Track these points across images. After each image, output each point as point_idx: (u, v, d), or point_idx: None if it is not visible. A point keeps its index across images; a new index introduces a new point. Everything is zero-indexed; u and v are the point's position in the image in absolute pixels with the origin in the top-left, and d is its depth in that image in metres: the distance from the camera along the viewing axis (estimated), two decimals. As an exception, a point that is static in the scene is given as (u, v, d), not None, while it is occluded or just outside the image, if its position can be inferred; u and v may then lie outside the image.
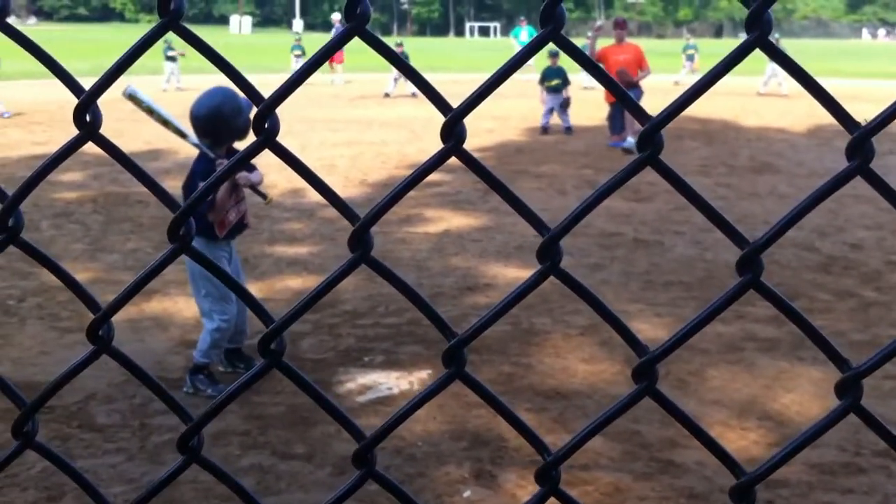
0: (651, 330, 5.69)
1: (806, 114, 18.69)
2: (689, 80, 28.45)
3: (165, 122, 4.62)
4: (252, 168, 4.85)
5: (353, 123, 17.43)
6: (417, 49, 42.50)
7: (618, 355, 5.34)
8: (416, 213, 9.38)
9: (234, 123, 4.68)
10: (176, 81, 25.30)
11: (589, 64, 0.85)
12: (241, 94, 4.81)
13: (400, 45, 26.19)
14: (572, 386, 4.91)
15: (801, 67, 0.80)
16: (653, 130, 0.81)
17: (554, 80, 15.89)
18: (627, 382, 4.82)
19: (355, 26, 0.85)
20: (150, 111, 4.59)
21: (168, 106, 4.87)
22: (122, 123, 15.67)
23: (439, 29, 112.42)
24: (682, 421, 0.93)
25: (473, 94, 0.84)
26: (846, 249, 7.96)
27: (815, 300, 6.40)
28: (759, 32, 0.79)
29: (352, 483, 0.98)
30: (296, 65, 29.55)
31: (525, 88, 18.58)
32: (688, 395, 4.78)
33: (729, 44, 53.36)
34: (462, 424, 4.45)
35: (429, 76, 0.89)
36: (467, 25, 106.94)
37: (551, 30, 0.81)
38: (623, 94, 0.84)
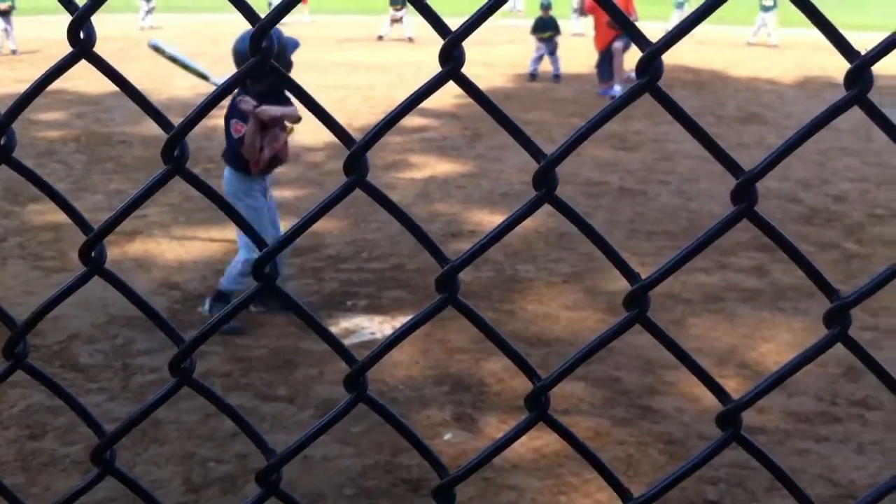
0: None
1: (795, 65, 18.63)
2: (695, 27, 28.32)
3: (187, 68, 4.95)
4: (287, 103, 4.87)
5: (339, 66, 17.26)
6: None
7: (601, 303, 5.37)
8: (401, 159, 9.34)
9: (278, 60, 4.69)
10: (150, 20, 25.01)
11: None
12: (283, 31, 4.97)
13: None
14: (555, 333, 4.94)
15: None
16: (651, 57, 0.81)
17: (547, 32, 15.86)
18: (609, 329, 4.86)
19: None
20: (174, 60, 4.95)
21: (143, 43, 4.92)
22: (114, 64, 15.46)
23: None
24: (670, 347, 0.93)
25: (473, 16, 0.83)
26: (829, 201, 7.98)
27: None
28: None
29: (344, 406, 0.98)
30: None
31: (514, 34, 18.44)
32: (669, 344, 4.82)
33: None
34: (444, 369, 4.48)
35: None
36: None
37: None
38: (626, 22, 0.83)
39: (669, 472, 3.33)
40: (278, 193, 7.99)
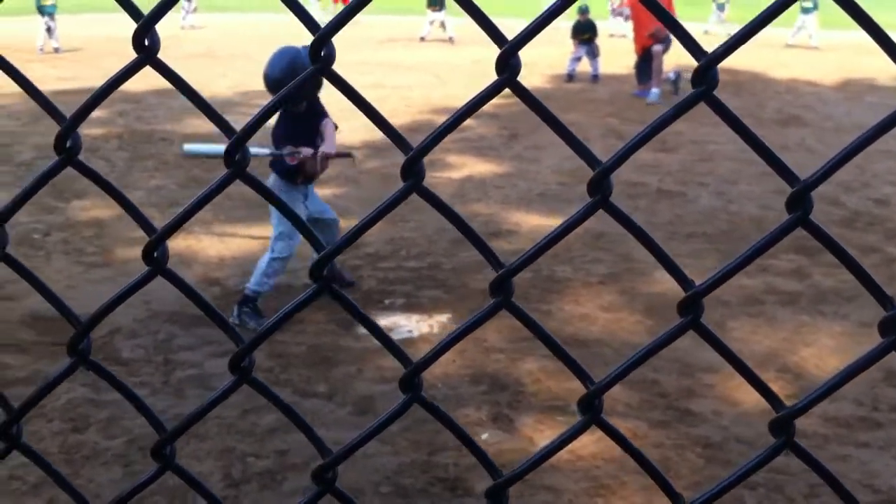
0: (672, 280, 5.68)
1: (835, 67, 18.42)
2: (719, 29, 28.06)
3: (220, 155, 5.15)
4: (322, 115, 5.02)
5: (379, 66, 17.32)
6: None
7: (637, 304, 5.36)
8: (438, 159, 9.36)
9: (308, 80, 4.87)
10: (192, 20, 25.19)
11: None
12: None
13: None
14: (591, 334, 4.93)
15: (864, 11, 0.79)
16: (709, 66, 0.82)
17: (586, 34, 15.92)
18: (647, 331, 4.86)
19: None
20: (209, 155, 5.46)
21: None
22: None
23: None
24: (725, 354, 0.94)
25: (532, 24, 0.84)
26: (871, 205, 7.89)
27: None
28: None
29: (399, 406, 1.00)
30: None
31: (552, 35, 18.40)
32: (707, 347, 4.74)
33: (761, -7, 52.32)
34: (481, 369, 4.50)
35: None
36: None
37: None
38: (678, 27, 0.84)
39: (706, 476, 3.36)
40: (317, 191, 8.05)
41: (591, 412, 0.96)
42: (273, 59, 4.90)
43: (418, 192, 0.90)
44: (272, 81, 4.81)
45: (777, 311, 5.33)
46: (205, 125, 10.75)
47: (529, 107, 0.88)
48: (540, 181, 8.48)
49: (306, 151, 4.85)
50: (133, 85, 9.38)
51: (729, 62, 14.22)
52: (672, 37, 10.32)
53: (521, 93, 0.86)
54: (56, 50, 19.06)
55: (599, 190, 0.88)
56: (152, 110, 11.82)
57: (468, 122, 11.13)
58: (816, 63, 19.52)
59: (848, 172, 8.98)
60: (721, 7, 29.23)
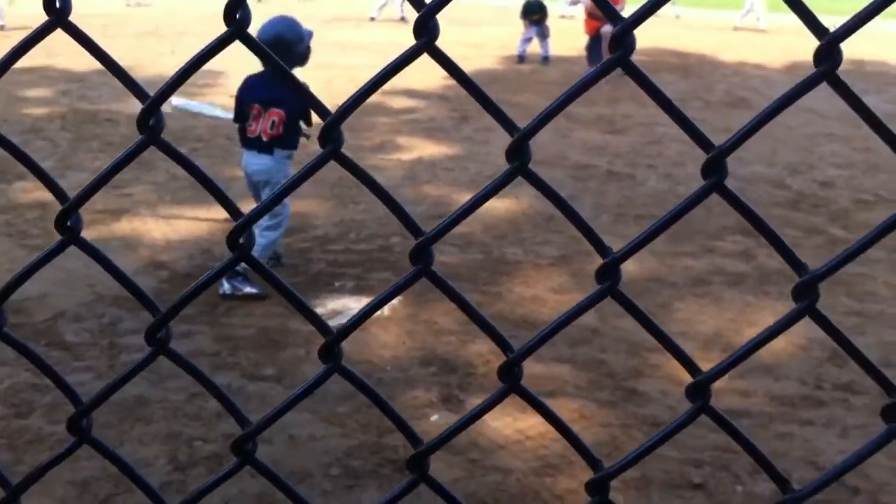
0: (624, 263, 5.73)
1: (782, 50, 18.64)
2: (669, 12, 28.25)
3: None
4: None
5: (327, 46, 17.17)
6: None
7: (588, 286, 5.38)
8: (388, 140, 9.32)
9: (297, 49, 5.20)
10: None
11: None
12: (301, 23, 5.36)
13: None
14: (542, 315, 4.95)
15: None
16: (624, 32, 0.82)
17: (535, 15, 15.85)
18: (595, 312, 4.88)
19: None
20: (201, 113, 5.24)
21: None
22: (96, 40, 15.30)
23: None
24: (641, 321, 0.95)
25: None
26: (816, 187, 8.01)
27: (784, 236, 6.35)
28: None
29: (318, 376, 0.99)
30: None
31: (502, 16, 18.39)
32: (654, 327, 4.84)
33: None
34: (431, 350, 4.49)
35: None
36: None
37: None
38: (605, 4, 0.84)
39: (654, 455, 3.36)
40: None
41: (510, 379, 0.97)
42: (263, 25, 5.18)
43: (336, 159, 0.89)
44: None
45: (723, 292, 5.39)
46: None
47: (448, 72, 0.87)
48: (490, 163, 8.48)
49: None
50: (76, 64, 9.30)
51: (676, 44, 14.38)
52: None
53: (440, 58, 0.85)
54: (1, 27, 18.65)
55: (518, 156, 0.88)
56: (96, 89, 11.58)
57: (418, 103, 11.12)
58: (764, 46, 19.74)
59: (794, 154, 9.11)
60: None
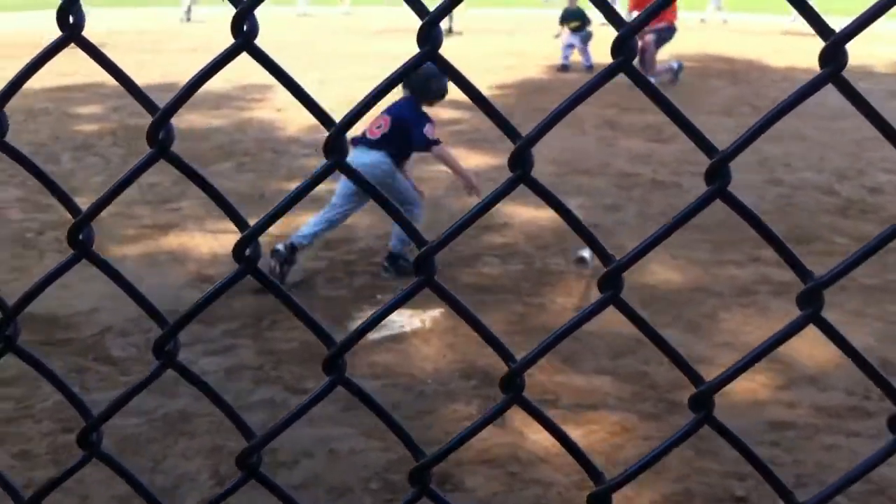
0: (665, 272, 5.69)
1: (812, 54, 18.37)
2: (716, 17, 28.05)
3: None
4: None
5: (377, 57, 17.24)
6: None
7: (631, 296, 5.30)
8: (432, 152, 9.34)
9: (434, 84, 5.77)
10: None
11: None
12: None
13: None
14: (584, 326, 4.90)
15: None
16: (627, 35, 0.82)
17: (574, 22, 15.81)
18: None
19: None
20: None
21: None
22: (144, 55, 15.58)
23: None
24: (644, 329, 0.95)
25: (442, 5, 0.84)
26: (865, 193, 7.89)
27: (832, 243, 6.38)
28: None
29: (321, 388, 1.00)
30: None
31: (547, 24, 18.36)
32: (699, 338, 4.80)
33: (755, -18, 52.35)
34: (472, 363, 4.49)
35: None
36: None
37: None
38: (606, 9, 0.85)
39: (696, 468, 3.34)
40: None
41: (513, 390, 0.97)
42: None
43: (340, 168, 0.90)
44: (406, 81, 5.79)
45: (769, 302, 5.33)
46: (200, 119, 10.74)
47: (452, 79, 0.89)
48: (535, 172, 8.43)
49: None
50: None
51: (725, 50, 14.28)
52: (669, 28, 10.36)
53: (444, 65, 0.87)
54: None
55: (520, 165, 0.89)
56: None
57: (462, 114, 11.14)
58: (813, 50, 19.14)
59: (842, 160, 8.98)
60: (717, -5, 29.16)
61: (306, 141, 9.67)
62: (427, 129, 5.70)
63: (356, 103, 0.90)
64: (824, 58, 0.81)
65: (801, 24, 23.52)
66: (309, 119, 9.83)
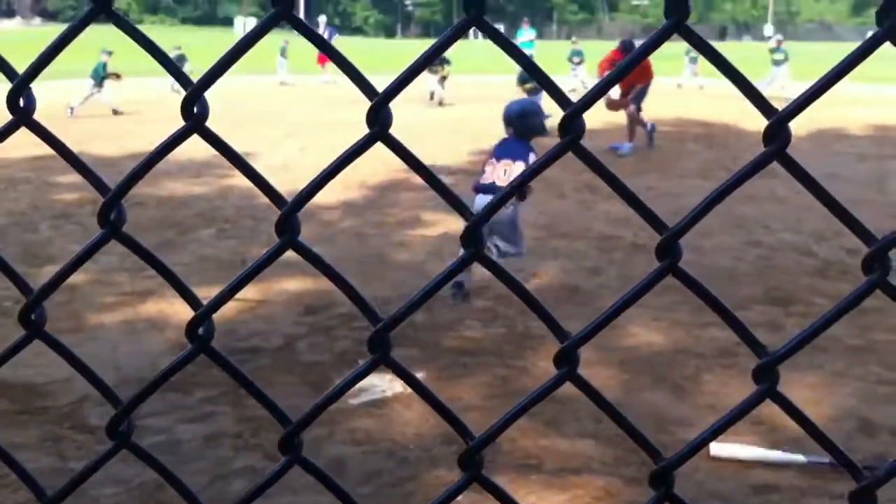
0: (646, 333, 5.69)
1: (806, 118, 18.64)
2: (692, 82, 28.49)
3: None
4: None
5: (357, 126, 17.23)
6: (415, 51, 42.36)
7: (613, 358, 5.34)
8: (413, 216, 9.38)
9: (534, 121, 6.71)
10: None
11: (516, 54, 0.88)
12: (541, 104, 7.52)
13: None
14: (566, 389, 4.85)
15: (718, 52, 0.82)
16: (572, 116, 0.83)
17: (529, 84, 16.06)
18: (621, 385, 4.84)
19: (280, 10, 0.85)
20: None
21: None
22: (126, 124, 15.64)
23: (442, 30, 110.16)
24: (605, 409, 0.94)
25: (398, 78, 0.85)
26: (843, 254, 7.95)
27: (812, 304, 6.41)
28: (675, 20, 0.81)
29: (277, 469, 0.98)
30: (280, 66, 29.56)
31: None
32: (682, 400, 4.78)
33: (732, 46, 53.23)
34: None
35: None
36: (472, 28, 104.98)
37: (474, 14, 0.82)
38: (546, 80, 0.86)
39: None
40: (291, 252, 8.00)
41: (471, 468, 0.96)
42: (512, 104, 7.02)
43: (293, 247, 0.90)
44: (506, 119, 6.79)
45: (751, 363, 5.24)
46: (181, 187, 10.75)
47: (402, 159, 0.89)
48: (514, 237, 8.49)
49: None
50: (108, 149, 9.47)
51: (701, 114, 14.49)
52: (642, 92, 10.52)
53: (394, 146, 0.87)
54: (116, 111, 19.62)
55: (472, 244, 0.89)
56: (122, 176, 11.77)
57: (442, 178, 11.17)
58: (785, 115, 19.74)
59: (820, 221, 9.06)
60: (694, 60, 29.63)
61: (287, 207, 9.70)
62: (531, 160, 6.35)
63: (306, 185, 0.90)
64: (769, 136, 0.82)
65: (778, 89, 23.98)
66: (290, 185, 9.83)
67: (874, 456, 4.13)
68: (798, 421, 0.90)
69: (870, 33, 0.84)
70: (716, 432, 0.92)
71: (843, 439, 4.28)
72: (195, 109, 0.88)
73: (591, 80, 25.77)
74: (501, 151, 6.58)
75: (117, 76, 19.47)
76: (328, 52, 0.91)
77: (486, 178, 6.53)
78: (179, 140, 0.90)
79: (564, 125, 0.83)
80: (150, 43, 0.95)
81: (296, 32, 0.92)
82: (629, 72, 0.89)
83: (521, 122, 6.62)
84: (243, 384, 0.98)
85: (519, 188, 0.92)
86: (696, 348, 5.53)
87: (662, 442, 4.28)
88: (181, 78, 0.95)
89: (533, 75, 0.87)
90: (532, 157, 6.40)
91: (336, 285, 0.94)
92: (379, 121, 0.85)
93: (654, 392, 4.77)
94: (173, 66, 0.95)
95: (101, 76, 19.70)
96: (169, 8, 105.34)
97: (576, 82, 26.57)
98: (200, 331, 0.94)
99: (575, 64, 27.72)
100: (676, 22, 0.80)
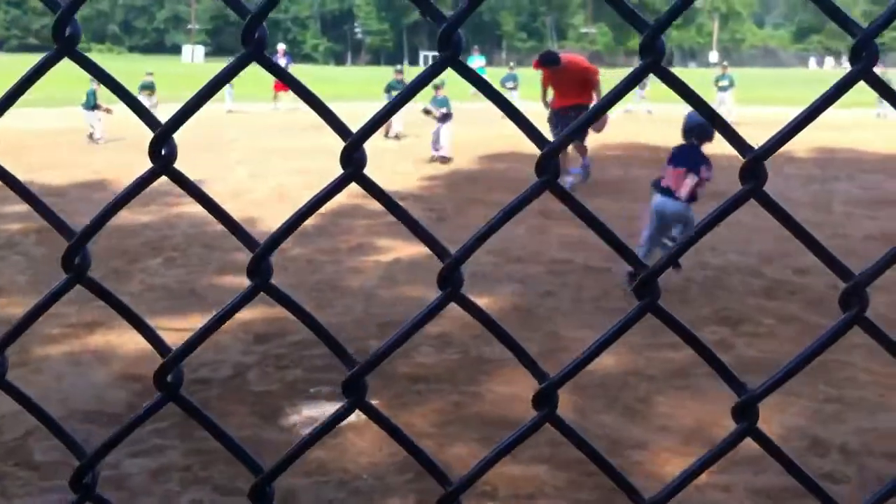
0: (603, 358, 5.70)
1: (754, 141, 18.92)
2: (641, 107, 28.83)
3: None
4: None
5: (309, 152, 17.31)
6: (365, 78, 42.63)
7: (568, 384, 5.32)
8: (367, 242, 9.34)
9: (709, 129, 7.29)
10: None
11: (485, 89, 0.88)
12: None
13: (399, 71, 24.24)
14: (521, 414, 4.87)
15: (693, 91, 0.83)
16: (550, 154, 0.84)
17: (442, 108, 16.40)
18: (576, 409, 4.83)
19: (252, 51, 0.85)
20: None
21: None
22: (73, 155, 15.46)
23: (393, 58, 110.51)
24: (587, 452, 0.93)
25: (371, 119, 0.85)
26: (791, 274, 8.06)
27: (760, 325, 6.48)
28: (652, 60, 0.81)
29: None
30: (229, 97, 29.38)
31: (476, 116, 18.71)
32: (635, 423, 4.79)
33: (678, 72, 53.60)
34: (408, 457, 4.38)
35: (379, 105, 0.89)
36: (421, 55, 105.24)
37: (449, 55, 0.83)
38: (518, 117, 0.87)
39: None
40: (243, 281, 7.92)
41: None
42: (691, 114, 7.40)
43: (265, 290, 0.89)
44: (686, 128, 7.61)
45: (703, 383, 5.35)
46: (129, 216, 10.60)
47: (377, 199, 0.89)
48: (471, 262, 8.27)
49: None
50: (57, 179, 9.35)
51: (650, 138, 14.64)
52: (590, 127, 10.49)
53: (368, 185, 0.87)
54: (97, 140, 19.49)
55: (450, 283, 0.89)
56: (74, 204, 11.60)
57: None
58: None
59: (767, 242, 9.19)
60: (642, 86, 29.93)
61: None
62: (703, 172, 7.36)
63: (279, 227, 0.89)
64: (745, 174, 0.83)
65: (726, 111, 24.36)
66: (241, 212, 9.77)
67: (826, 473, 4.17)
68: (777, 458, 0.90)
69: (812, 59, 0.84)
70: (695, 472, 0.91)
71: (793, 457, 4.31)
72: (163, 151, 0.86)
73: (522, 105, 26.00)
74: (679, 159, 7.52)
75: (108, 110, 19.22)
76: (300, 93, 0.90)
77: (665, 182, 7.49)
78: (147, 183, 0.88)
79: (542, 165, 0.83)
80: (115, 83, 0.93)
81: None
82: (602, 115, 0.91)
83: (701, 130, 7.42)
84: (215, 435, 0.96)
85: (494, 226, 0.92)
86: (648, 370, 5.55)
87: (616, 465, 4.28)
88: (147, 118, 0.93)
89: (512, 118, 0.88)
90: (704, 169, 7.38)
91: (311, 329, 0.94)
92: (353, 162, 0.85)
93: (607, 415, 4.78)
94: (139, 105, 0.93)
95: (91, 104, 19.53)
96: (116, 36, 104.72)
97: None
98: (169, 378, 0.91)
99: (508, 89, 28.20)
100: (653, 61, 0.81)
